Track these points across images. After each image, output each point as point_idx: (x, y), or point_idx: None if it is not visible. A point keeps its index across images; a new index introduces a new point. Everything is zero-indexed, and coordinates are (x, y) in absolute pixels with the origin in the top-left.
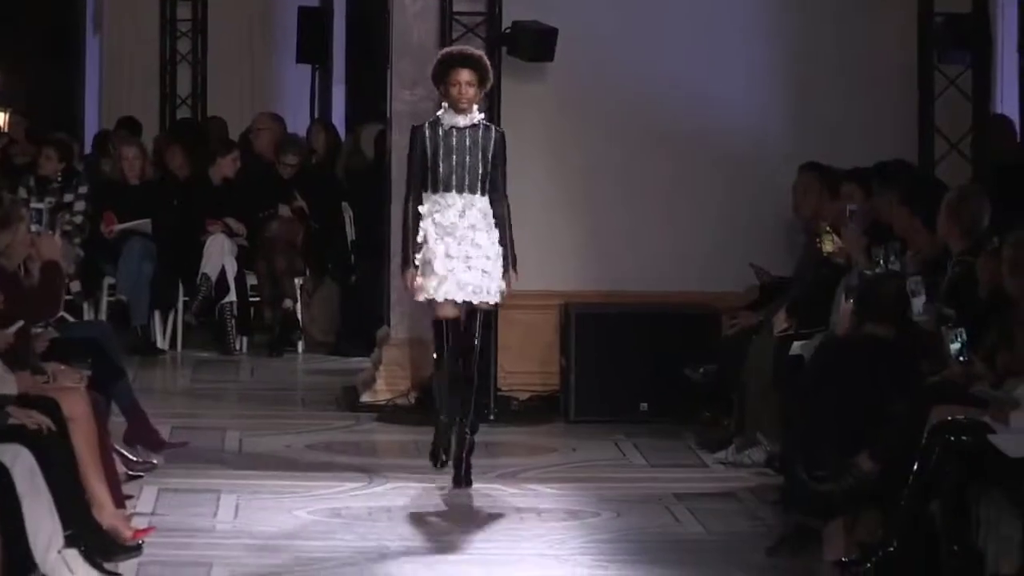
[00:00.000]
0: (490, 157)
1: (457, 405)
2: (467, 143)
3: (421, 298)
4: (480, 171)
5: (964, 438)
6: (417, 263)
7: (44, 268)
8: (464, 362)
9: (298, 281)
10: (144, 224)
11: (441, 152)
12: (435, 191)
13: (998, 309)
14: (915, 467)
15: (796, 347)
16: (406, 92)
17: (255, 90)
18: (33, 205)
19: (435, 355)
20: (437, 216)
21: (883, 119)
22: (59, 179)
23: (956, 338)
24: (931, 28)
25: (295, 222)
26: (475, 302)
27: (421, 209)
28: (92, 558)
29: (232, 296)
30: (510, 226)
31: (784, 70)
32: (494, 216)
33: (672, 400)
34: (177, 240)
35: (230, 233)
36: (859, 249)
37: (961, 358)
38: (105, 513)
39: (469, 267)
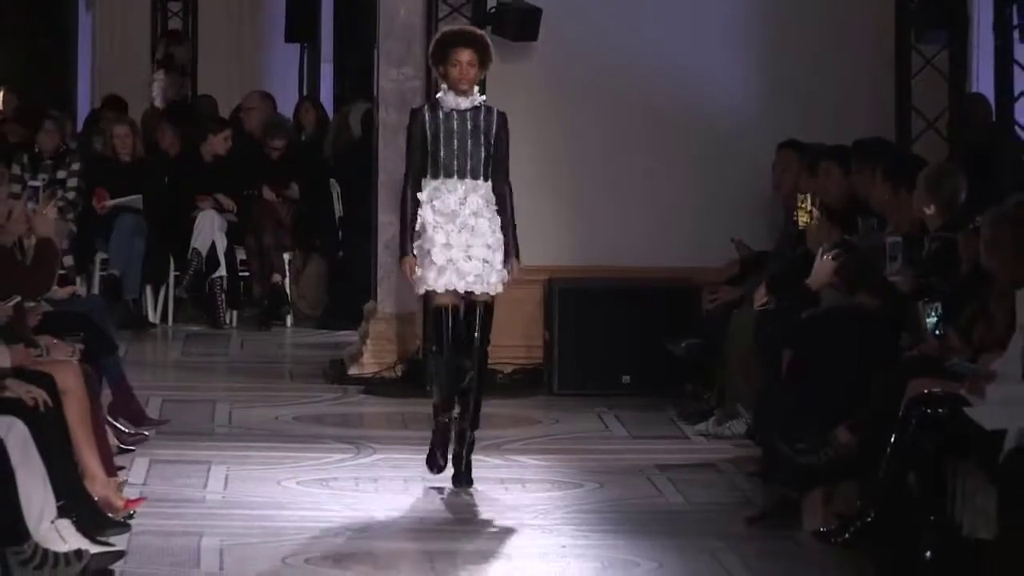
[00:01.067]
0: (492, 140)
1: (454, 402)
2: (468, 126)
3: (421, 290)
4: (483, 155)
5: (940, 411)
6: (415, 251)
7: (39, 245)
8: (466, 357)
9: (287, 256)
10: (135, 200)
11: (442, 136)
12: (435, 177)
13: (976, 285)
14: (892, 439)
15: None
16: (393, 71)
17: (244, 68)
18: (30, 183)
19: (435, 347)
20: (437, 203)
21: (861, 97)
22: (52, 156)
23: (932, 312)
24: (908, 8)
25: (280, 202)
26: (477, 291)
27: (420, 196)
28: (84, 528)
29: (222, 271)
30: (513, 213)
31: (764, 47)
32: (497, 201)
33: (654, 373)
34: (168, 216)
35: (220, 209)
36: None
37: (937, 332)
38: (97, 484)
39: (469, 256)
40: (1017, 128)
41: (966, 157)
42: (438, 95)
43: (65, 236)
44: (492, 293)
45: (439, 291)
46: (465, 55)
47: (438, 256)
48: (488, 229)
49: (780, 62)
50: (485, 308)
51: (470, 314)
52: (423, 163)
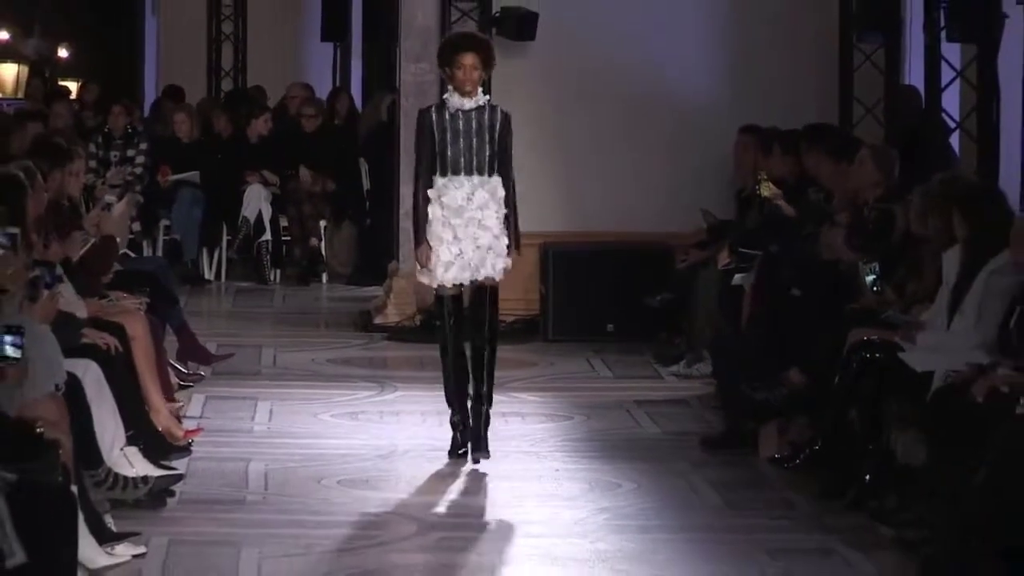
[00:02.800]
0: (496, 138)
1: (465, 393)
2: (474, 125)
3: (430, 282)
4: (488, 152)
5: (878, 355)
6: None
7: (103, 239)
8: (477, 337)
9: (322, 223)
10: (193, 175)
11: (449, 135)
12: (444, 174)
13: (908, 248)
14: (837, 380)
15: (737, 279)
16: (412, 66)
17: (286, 64)
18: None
19: (440, 342)
20: (445, 199)
21: (809, 88)
22: (122, 137)
23: (871, 271)
24: (850, 12)
25: (316, 179)
26: (480, 278)
27: (430, 192)
28: (149, 455)
29: (267, 235)
30: (515, 206)
31: (727, 45)
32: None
33: (634, 323)
34: (221, 189)
35: (265, 183)
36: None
37: (875, 288)
38: (161, 417)
39: (477, 246)
40: (944, 115)
41: (900, 140)
42: (444, 96)
43: (134, 206)
44: (496, 278)
45: (447, 285)
46: (468, 58)
47: (445, 252)
48: (495, 220)
49: (741, 59)
50: (492, 291)
51: (479, 296)
52: (432, 161)
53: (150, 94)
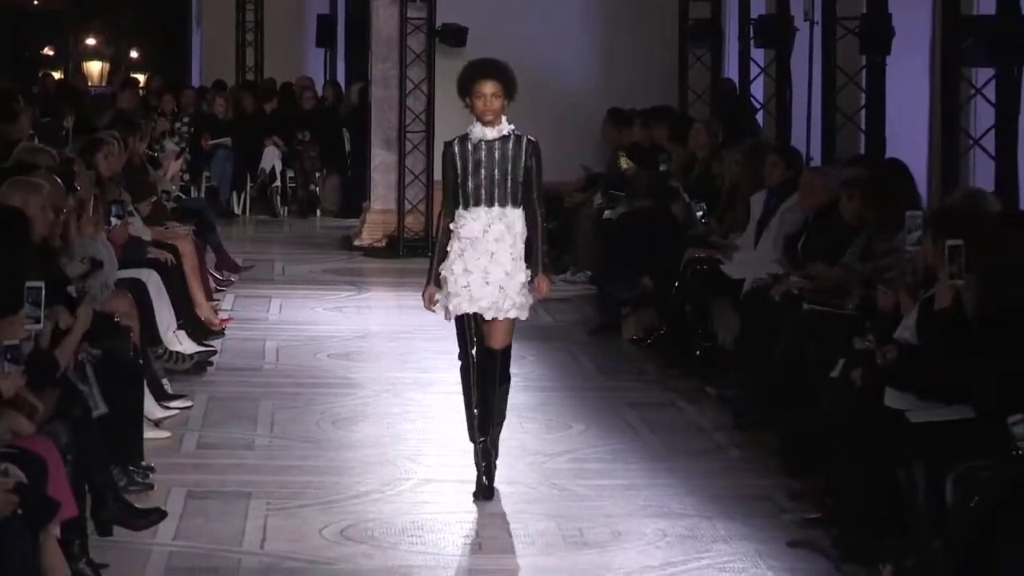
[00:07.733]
0: (521, 167)
1: (487, 418)
2: (496, 155)
3: (439, 313)
4: (509, 183)
5: (705, 267)
6: (439, 275)
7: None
8: (489, 372)
9: (318, 174)
10: (227, 140)
11: (470, 167)
12: (464, 206)
13: (726, 192)
14: (676, 284)
15: (607, 214)
16: (380, 64)
17: (291, 63)
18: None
19: (460, 368)
20: (463, 231)
21: (657, 80)
22: (171, 113)
23: (700, 208)
24: (686, 28)
25: (311, 144)
26: (487, 318)
27: (451, 226)
28: (194, 336)
29: (278, 183)
30: (543, 232)
31: (599, 49)
32: (526, 224)
33: None
34: (246, 150)
35: (277, 146)
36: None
37: (703, 220)
38: (202, 310)
39: (487, 282)
40: (752, 99)
41: (721, 117)
42: (469, 127)
43: (184, 162)
44: (511, 317)
45: (454, 314)
46: (488, 87)
47: (454, 284)
48: (508, 256)
49: (609, 59)
50: (503, 354)
51: (491, 358)
52: (456, 195)
53: (196, 83)
